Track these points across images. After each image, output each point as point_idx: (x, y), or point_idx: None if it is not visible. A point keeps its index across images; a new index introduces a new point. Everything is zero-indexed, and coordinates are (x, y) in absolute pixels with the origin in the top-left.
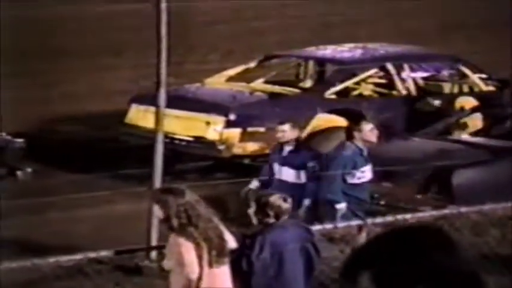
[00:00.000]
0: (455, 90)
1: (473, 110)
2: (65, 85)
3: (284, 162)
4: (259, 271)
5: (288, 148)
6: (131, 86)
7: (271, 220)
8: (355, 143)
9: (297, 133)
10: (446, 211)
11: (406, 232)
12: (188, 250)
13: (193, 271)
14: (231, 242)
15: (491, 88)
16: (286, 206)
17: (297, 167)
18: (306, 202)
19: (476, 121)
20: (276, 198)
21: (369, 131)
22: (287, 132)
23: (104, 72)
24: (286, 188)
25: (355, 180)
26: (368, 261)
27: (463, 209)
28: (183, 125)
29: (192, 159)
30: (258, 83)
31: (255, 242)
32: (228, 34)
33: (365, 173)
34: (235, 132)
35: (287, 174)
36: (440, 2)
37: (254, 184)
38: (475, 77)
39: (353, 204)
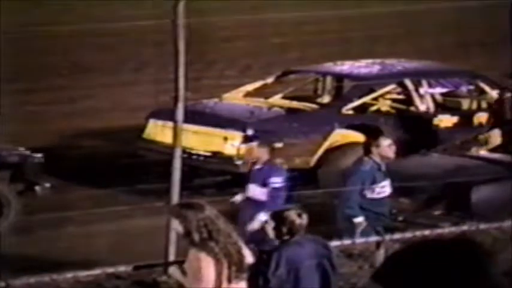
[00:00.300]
0: (474, 106)
1: (492, 125)
2: (84, 100)
3: (252, 180)
4: None
5: (256, 166)
6: (150, 101)
7: (286, 236)
8: (373, 158)
9: (266, 152)
10: (465, 228)
11: (422, 246)
12: (208, 265)
13: (209, 287)
14: (249, 258)
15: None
16: (301, 221)
17: (262, 185)
18: (261, 217)
19: (495, 137)
20: (290, 214)
21: (387, 146)
22: (255, 150)
23: (123, 88)
24: (251, 205)
25: (375, 195)
26: (391, 276)
27: (482, 226)
28: (200, 140)
29: (209, 175)
30: (276, 99)
31: (271, 259)
32: (246, 50)
33: (384, 188)
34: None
35: (253, 191)
36: (458, 18)
37: (237, 198)
38: (493, 93)
39: (372, 219)
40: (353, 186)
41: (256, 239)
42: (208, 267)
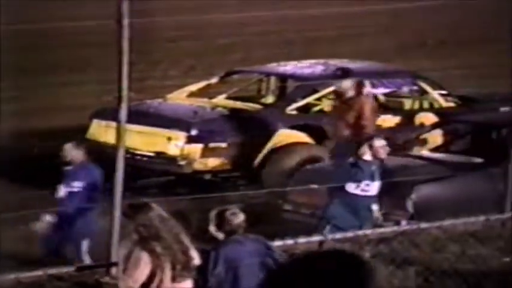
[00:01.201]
0: (416, 106)
1: (433, 126)
2: (27, 101)
3: (64, 180)
4: (214, 287)
5: (70, 167)
6: (94, 102)
7: (223, 235)
8: (365, 159)
9: (80, 152)
10: (406, 227)
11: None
12: (146, 265)
13: (136, 285)
14: (196, 259)
15: (451, 104)
16: (237, 220)
17: (74, 185)
18: (47, 218)
19: (436, 137)
20: (227, 214)
21: (380, 147)
22: (69, 151)
23: (66, 88)
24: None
25: (358, 191)
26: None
27: (423, 225)
28: (144, 140)
29: (153, 175)
30: (220, 99)
31: (209, 258)
32: (190, 50)
33: (369, 187)
34: (197, 148)
35: (60, 191)
36: (400, 20)
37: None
38: (435, 93)
39: (350, 215)
40: (340, 179)
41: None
42: (146, 269)
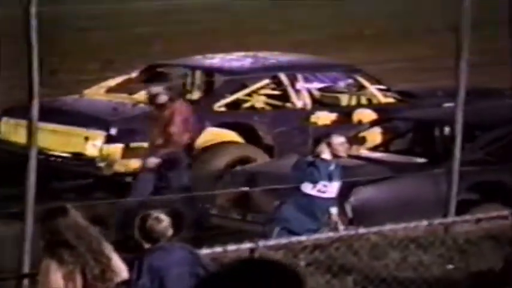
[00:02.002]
0: (353, 102)
1: (372, 123)
2: None
3: None
4: None
5: None
6: (1, 99)
7: (149, 243)
8: (323, 157)
9: None
10: (343, 232)
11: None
12: (55, 275)
13: None
14: (119, 269)
15: (390, 100)
16: (161, 226)
17: None
18: None
19: (375, 135)
20: (150, 219)
21: (339, 144)
22: None
23: None
24: None
25: (314, 192)
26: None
27: (362, 230)
28: (59, 140)
29: (69, 178)
30: (142, 94)
31: (132, 268)
32: (107, 41)
33: (327, 188)
34: (117, 148)
35: None
36: (336, 11)
37: None
38: (373, 89)
39: (303, 218)
40: (294, 179)
41: None
42: (55, 277)
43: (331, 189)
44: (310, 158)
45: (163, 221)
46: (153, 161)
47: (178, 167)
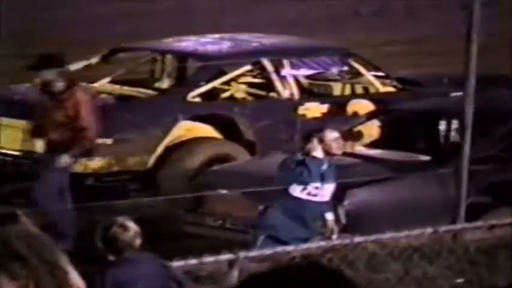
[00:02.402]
0: (347, 91)
1: (369, 115)
2: None
3: None
4: None
5: None
6: None
7: (113, 254)
8: (314, 155)
9: None
10: (337, 241)
11: (288, 271)
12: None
13: None
14: (77, 283)
15: (390, 89)
16: (127, 235)
17: None
18: None
19: (372, 129)
20: (115, 227)
21: (332, 140)
22: None
23: None
24: None
25: (303, 195)
26: None
27: (358, 239)
28: (8, 135)
29: (20, 179)
30: (103, 84)
31: (93, 283)
32: (61, 21)
33: (318, 191)
34: None
35: None
36: None
37: None
38: (370, 76)
39: (291, 225)
40: (281, 180)
41: None
42: None
43: (323, 191)
44: (299, 156)
45: (130, 229)
46: (66, 160)
47: None
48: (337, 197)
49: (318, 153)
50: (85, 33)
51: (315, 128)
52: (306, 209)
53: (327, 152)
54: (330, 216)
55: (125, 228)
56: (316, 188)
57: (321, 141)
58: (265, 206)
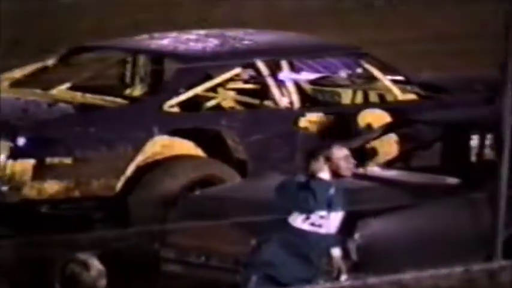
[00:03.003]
0: (359, 99)
1: (385, 129)
2: None
3: None
4: None
5: None
6: None
7: None
8: (320, 176)
9: None
10: (346, 283)
11: None
12: None
13: None
14: None
15: (410, 96)
16: (89, 275)
17: None
18: None
19: (389, 146)
20: (75, 266)
21: (342, 159)
22: None
23: None
24: None
25: (306, 226)
26: None
27: (372, 280)
28: None
29: None
30: (62, 90)
31: None
32: (10, 16)
33: (323, 220)
34: (27, 165)
35: None
36: None
37: None
38: (386, 80)
39: (293, 262)
40: (280, 208)
41: None
42: None
43: (330, 221)
44: (301, 178)
45: (92, 268)
46: None
47: None
48: (347, 229)
49: (324, 174)
50: (41, 28)
51: (320, 144)
52: (309, 243)
53: (335, 173)
54: (336, 252)
55: (86, 266)
56: (322, 217)
57: (328, 160)
58: (259, 240)
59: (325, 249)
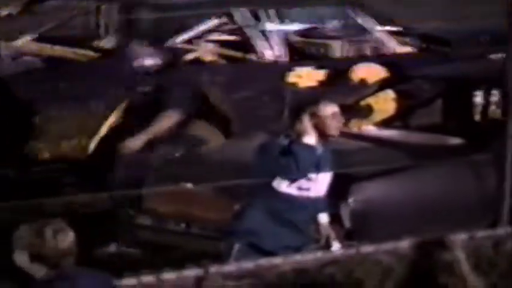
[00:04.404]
0: (352, 52)
1: (381, 84)
2: None
3: None
4: None
5: None
6: None
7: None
8: (304, 139)
9: None
10: (339, 251)
11: None
12: None
13: None
14: None
15: (408, 49)
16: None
17: None
18: None
19: (385, 103)
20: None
21: (329, 116)
22: None
23: None
24: None
25: (293, 190)
26: None
27: (367, 248)
28: None
29: None
30: (26, 41)
31: None
32: None
33: (311, 183)
34: None
35: None
36: None
37: None
38: (382, 31)
39: (281, 230)
40: (259, 174)
41: None
42: None
43: (318, 185)
44: (284, 140)
45: (68, 235)
46: None
47: None
48: (340, 193)
49: (309, 137)
50: None
51: (305, 100)
52: (296, 208)
53: (321, 133)
54: (324, 218)
55: (61, 233)
56: (309, 179)
57: (314, 117)
58: (243, 205)
59: (314, 214)
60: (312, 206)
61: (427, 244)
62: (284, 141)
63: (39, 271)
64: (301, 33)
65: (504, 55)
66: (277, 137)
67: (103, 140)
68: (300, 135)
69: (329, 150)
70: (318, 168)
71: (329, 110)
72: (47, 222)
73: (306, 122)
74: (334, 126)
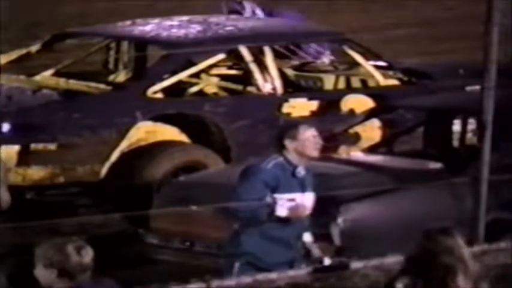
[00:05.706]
0: (341, 84)
1: (368, 114)
2: None
3: None
4: None
5: None
6: None
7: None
8: (286, 156)
9: None
10: (329, 267)
11: None
12: None
13: None
14: None
15: (393, 82)
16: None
17: None
18: None
19: (371, 131)
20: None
21: (308, 138)
22: None
23: None
24: None
25: (281, 210)
26: None
27: (356, 264)
28: None
29: None
30: (46, 76)
31: None
32: None
33: (293, 202)
34: (11, 151)
35: None
36: None
37: None
38: (369, 66)
39: (268, 250)
40: (243, 197)
41: None
42: None
43: (303, 204)
44: (268, 163)
45: (88, 252)
46: None
47: None
48: (330, 213)
49: (291, 156)
50: (25, 13)
51: (286, 125)
52: (286, 228)
53: (303, 154)
54: (307, 237)
55: (80, 251)
56: (291, 200)
57: (294, 139)
58: (237, 230)
59: (300, 232)
60: (298, 224)
61: (432, 231)
62: (268, 164)
63: (61, 285)
64: (296, 67)
65: (480, 87)
66: (261, 161)
67: (114, 165)
68: (283, 157)
69: (311, 172)
70: (302, 189)
71: (308, 132)
72: (68, 240)
73: (289, 144)
74: (312, 148)
